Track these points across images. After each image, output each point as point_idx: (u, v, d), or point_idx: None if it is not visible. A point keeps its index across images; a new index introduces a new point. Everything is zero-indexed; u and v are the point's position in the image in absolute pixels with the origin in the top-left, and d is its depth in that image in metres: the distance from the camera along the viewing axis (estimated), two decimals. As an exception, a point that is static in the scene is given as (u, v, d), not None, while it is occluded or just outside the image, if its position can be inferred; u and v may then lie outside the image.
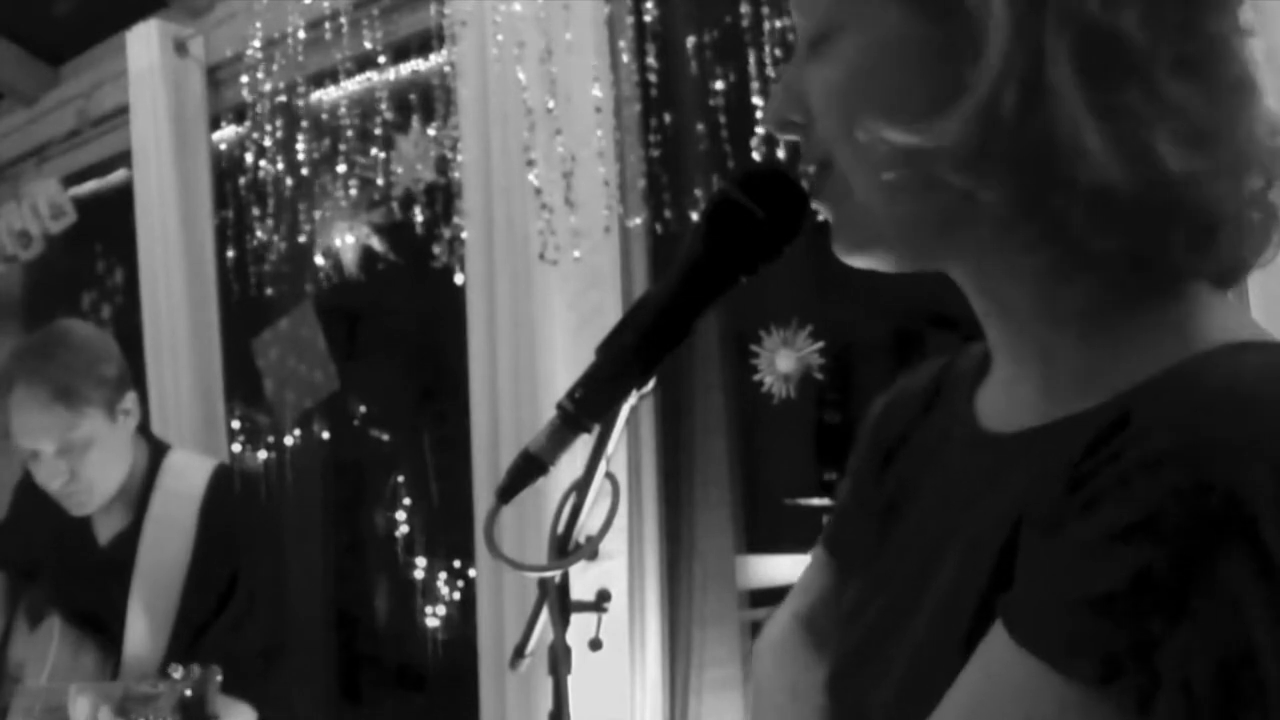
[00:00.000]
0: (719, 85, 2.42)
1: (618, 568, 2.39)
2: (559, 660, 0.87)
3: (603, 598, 0.93)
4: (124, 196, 3.62)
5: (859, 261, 0.77)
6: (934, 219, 0.73)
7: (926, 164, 0.69)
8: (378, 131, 2.95)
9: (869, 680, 0.79)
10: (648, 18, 2.49)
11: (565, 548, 0.87)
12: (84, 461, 2.13)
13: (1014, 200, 0.69)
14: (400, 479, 3.92)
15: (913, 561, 0.79)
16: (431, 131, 2.89)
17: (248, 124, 3.20)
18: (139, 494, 2.24)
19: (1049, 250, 0.71)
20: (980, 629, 0.66)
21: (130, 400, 2.19)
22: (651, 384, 0.85)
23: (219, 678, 1.92)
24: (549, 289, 2.48)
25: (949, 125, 0.68)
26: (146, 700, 1.91)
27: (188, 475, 2.27)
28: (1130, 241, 0.69)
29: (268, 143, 3.12)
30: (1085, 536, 0.60)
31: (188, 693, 1.89)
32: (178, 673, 1.92)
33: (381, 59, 2.91)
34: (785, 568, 2.74)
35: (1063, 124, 0.66)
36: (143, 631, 2.17)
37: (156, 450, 2.30)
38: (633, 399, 0.85)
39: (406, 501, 3.86)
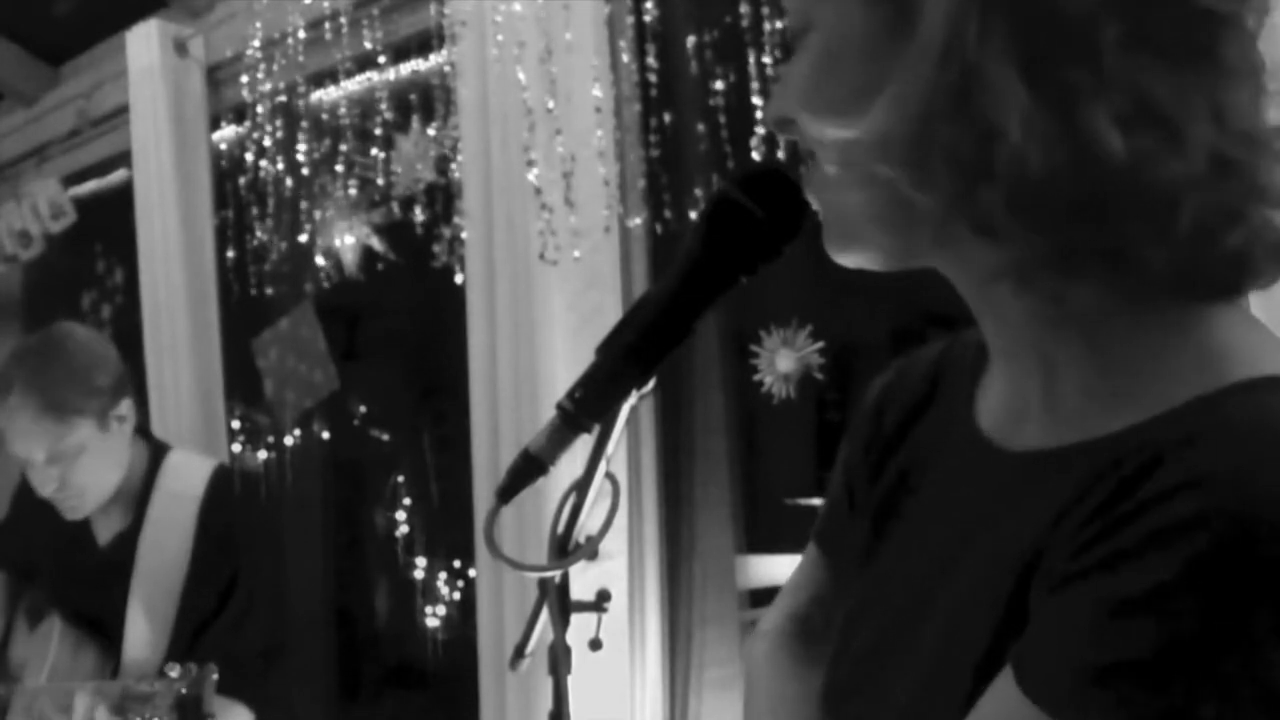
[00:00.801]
0: (719, 85, 2.42)
1: (618, 568, 2.39)
2: (559, 660, 0.87)
3: (603, 598, 0.93)
4: (124, 196, 3.62)
5: (847, 259, 0.76)
6: (880, 215, 0.71)
7: (859, 156, 0.68)
8: (378, 131, 2.94)
9: (869, 701, 0.77)
10: (648, 18, 2.48)
11: (565, 548, 0.87)
12: (74, 469, 2.13)
13: (948, 195, 0.65)
14: (400, 479, 3.92)
15: (914, 572, 0.78)
16: (431, 131, 2.89)
17: (248, 124, 3.20)
18: (138, 495, 2.24)
19: (997, 250, 0.67)
20: (990, 669, 0.64)
21: (125, 406, 2.19)
22: (651, 384, 0.85)
23: (215, 676, 1.92)
24: (549, 289, 2.48)
25: (876, 114, 0.66)
26: (144, 699, 1.91)
27: (187, 476, 2.27)
28: (1072, 236, 0.64)
29: (268, 143, 3.12)
30: (1111, 595, 0.58)
31: (184, 691, 1.89)
32: (175, 671, 1.92)
33: (381, 59, 2.91)
34: (785, 568, 2.72)
35: (994, 109, 0.62)
36: (143, 632, 2.18)
37: (156, 451, 2.30)
38: (633, 399, 0.85)
39: (406, 501, 3.86)
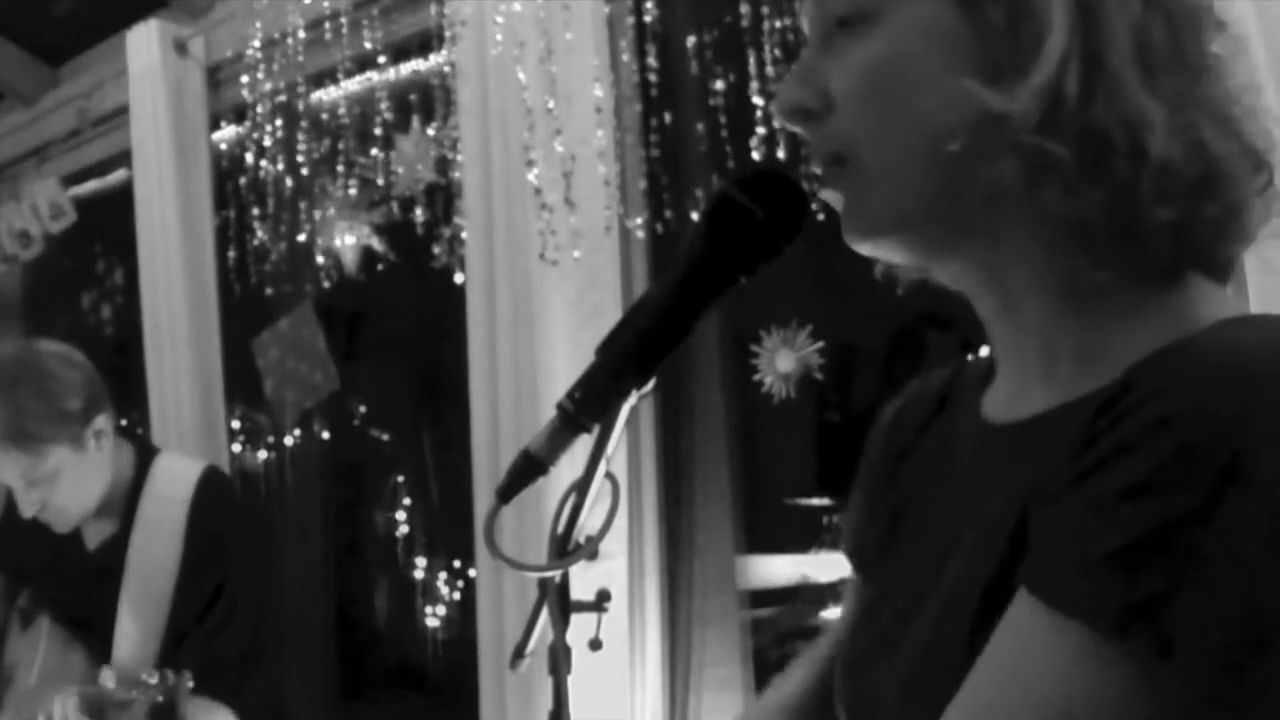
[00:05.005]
0: (719, 85, 2.42)
1: (618, 568, 2.39)
2: (559, 660, 0.86)
3: (603, 598, 0.92)
4: (124, 196, 3.61)
5: (871, 249, 0.78)
6: (973, 192, 0.74)
7: (1000, 129, 0.71)
8: (378, 131, 2.94)
9: (875, 678, 0.80)
10: (648, 18, 2.49)
11: (565, 548, 0.87)
12: (54, 492, 2.13)
13: (1078, 165, 0.71)
14: (400, 479, 3.92)
15: (922, 560, 0.80)
16: (431, 131, 2.89)
17: (248, 124, 3.20)
18: (126, 501, 2.24)
19: (1064, 224, 0.73)
20: (986, 617, 0.67)
21: (102, 421, 2.17)
22: (651, 384, 0.85)
23: (190, 684, 1.92)
24: (549, 289, 2.48)
25: (1020, 96, 0.71)
26: (122, 706, 1.92)
27: (176, 479, 2.26)
28: (1181, 214, 0.72)
29: (268, 143, 3.12)
30: (1097, 494, 0.63)
31: (160, 699, 1.90)
32: (154, 678, 1.93)
33: (381, 59, 2.91)
34: (785, 568, 2.74)
35: (1127, 104, 0.70)
36: (133, 635, 2.17)
37: (144, 455, 2.29)
38: (633, 399, 0.85)
39: (406, 501, 3.86)
